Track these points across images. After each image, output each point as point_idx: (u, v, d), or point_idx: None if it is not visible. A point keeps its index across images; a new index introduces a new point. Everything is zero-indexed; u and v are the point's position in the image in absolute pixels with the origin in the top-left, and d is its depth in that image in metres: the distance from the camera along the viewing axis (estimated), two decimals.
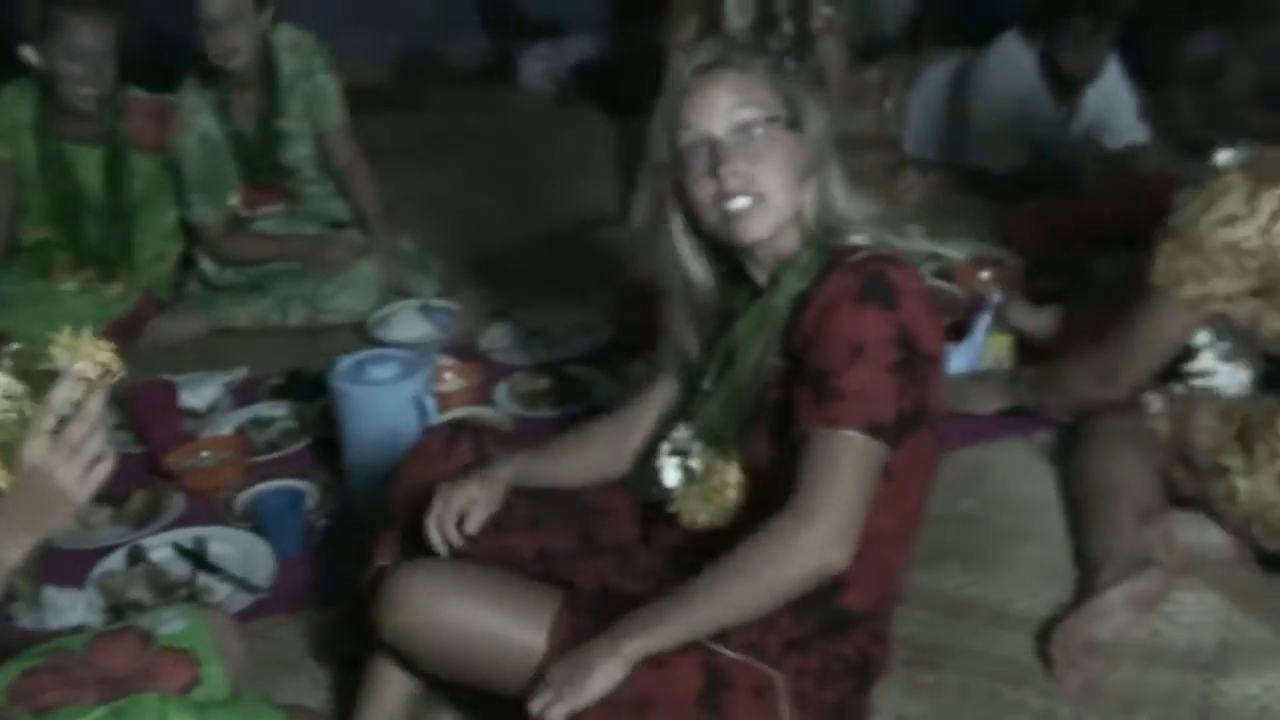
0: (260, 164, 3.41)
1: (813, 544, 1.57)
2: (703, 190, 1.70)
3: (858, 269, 1.62)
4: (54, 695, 1.64)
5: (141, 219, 3.34)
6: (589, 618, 1.64)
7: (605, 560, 1.79)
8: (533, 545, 1.78)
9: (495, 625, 1.65)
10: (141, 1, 3.45)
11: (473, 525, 1.76)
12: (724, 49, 1.74)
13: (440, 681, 1.79)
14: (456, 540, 1.75)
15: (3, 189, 3.23)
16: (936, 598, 2.14)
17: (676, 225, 1.78)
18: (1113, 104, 3.69)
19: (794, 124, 1.71)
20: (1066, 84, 3.72)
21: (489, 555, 1.75)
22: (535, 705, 1.54)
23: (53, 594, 2.18)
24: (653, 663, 1.57)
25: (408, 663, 1.75)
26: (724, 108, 1.68)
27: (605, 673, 1.54)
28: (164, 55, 3.56)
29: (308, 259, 3.36)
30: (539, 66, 5.42)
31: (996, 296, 2.83)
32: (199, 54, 3.26)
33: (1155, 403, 2.23)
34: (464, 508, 1.77)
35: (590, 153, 4.44)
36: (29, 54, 3.07)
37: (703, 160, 1.69)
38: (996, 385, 2.58)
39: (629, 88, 4.90)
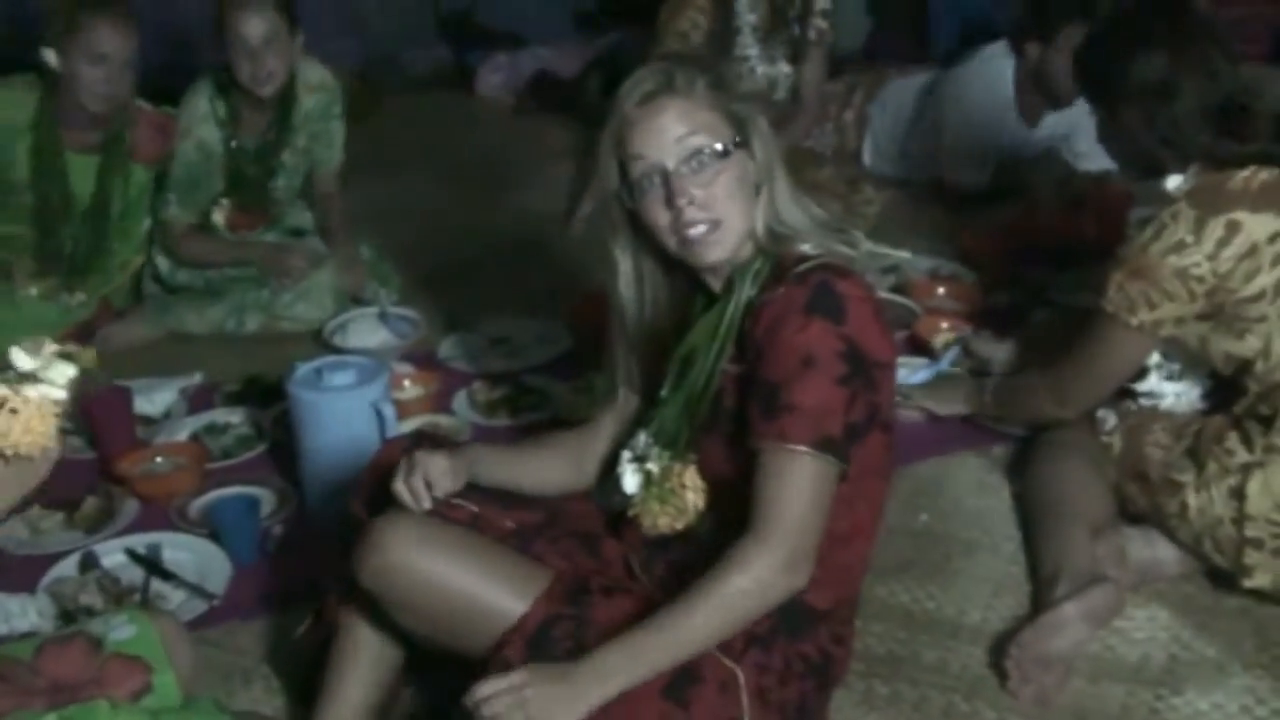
0: (251, 188, 3.39)
1: (775, 571, 1.61)
2: (659, 218, 1.72)
3: (804, 280, 1.65)
4: (2, 703, 1.63)
5: (121, 228, 3.30)
6: (568, 605, 1.68)
7: (574, 543, 1.82)
8: (506, 519, 1.80)
9: (472, 584, 1.67)
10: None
11: (439, 491, 1.77)
12: (667, 75, 1.72)
13: (411, 643, 1.78)
14: (426, 501, 1.75)
15: None
16: (893, 610, 2.15)
17: (624, 252, 1.81)
18: (1075, 125, 3.74)
19: (742, 143, 1.72)
20: (1050, 100, 3.75)
21: (467, 519, 1.76)
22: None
23: (3, 600, 2.15)
24: None
25: (382, 616, 1.74)
26: (672, 138, 1.69)
27: (590, 701, 1.57)
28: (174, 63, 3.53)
29: (266, 266, 3.32)
30: (497, 77, 5.42)
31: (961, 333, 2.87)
32: (222, 66, 3.23)
33: (1110, 419, 2.27)
34: (430, 473, 1.77)
35: (549, 163, 4.44)
36: (49, 56, 3.00)
37: (657, 191, 1.71)
38: (965, 390, 2.63)
39: (587, 98, 4.95)
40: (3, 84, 3.15)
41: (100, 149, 3.18)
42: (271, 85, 3.20)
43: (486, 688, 1.56)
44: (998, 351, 2.75)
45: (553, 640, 1.65)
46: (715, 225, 1.70)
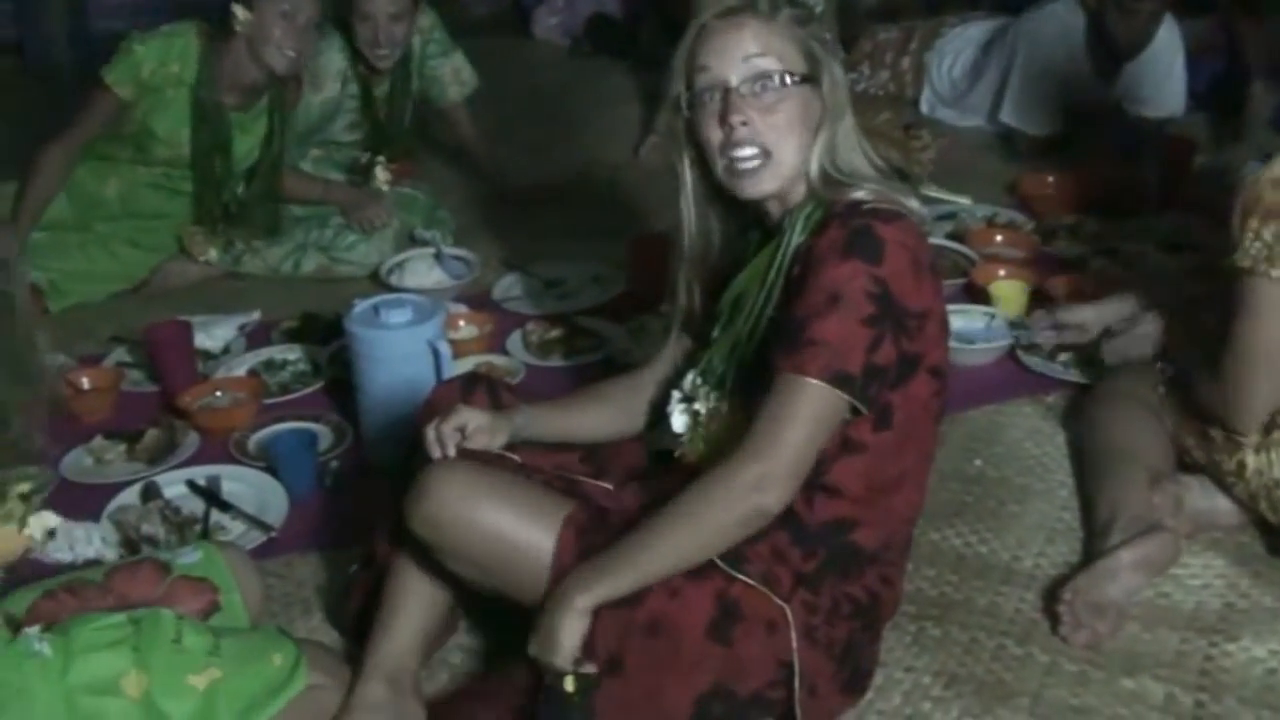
0: (390, 138, 3.55)
1: (747, 485, 1.61)
2: (712, 135, 1.71)
3: (847, 222, 1.64)
4: (73, 613, 1.67)
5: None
6: (590, 535, 1.69)
7: (625, 485, 1.85)
8: (550, 463, 1.82)
9: (522, 531, 1.68)
10: None
11: (474, 444, 1.79)
12: (758, 4, 1.71)
13: (463, 586, 1.80)
14: (450, 450, 1.77)
15: (97, 120, 3.09)
16: (945, 554, 2.15)
17: (685, 167, 1.79)
18: (1156, 77, 3.70)
19: (811, 79, 1.71)
20: (1113, 53, 3.71)
21: (515, 469, 1.78)
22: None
23: (68, 527, 2.19)
24: (667, 588, 1.63)
25: (433, 561, 1.76)
26: (741, 55, 1.68)
27: (569, 631, 1.61)
28: None
29: (350, 210, 3.34)
30: (553, 19, 5.40)
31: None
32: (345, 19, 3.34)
33: (1170, 367, 2.23)
34: (466, 424, 1.80)
35: (605, 106, 4.43)
36: (239, 12, 3.03)
37: (715, 105, 1.70)
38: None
39: (643, 40, 4.93)
40: (163, 34, 3.11)
41: (250, 106, 3.20)
42: (392, 58, 3.32)
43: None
44: (1087, 314, 2.51)
45: None
46: (766, 155, 1.69)
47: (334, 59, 3.38)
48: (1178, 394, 2.19)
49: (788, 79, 1.68)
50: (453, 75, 3.65)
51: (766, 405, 1.63)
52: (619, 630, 1.63)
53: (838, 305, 1.60)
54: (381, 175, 3.44)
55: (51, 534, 1.71)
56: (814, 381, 1.60)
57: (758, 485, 1.61)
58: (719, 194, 1.79)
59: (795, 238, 1.71)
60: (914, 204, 1.73)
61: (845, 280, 1.61)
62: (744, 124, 1.67)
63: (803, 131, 1.70)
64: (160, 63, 3.07)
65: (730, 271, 1.82)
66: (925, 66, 4.24)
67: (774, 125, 1.68)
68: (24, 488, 1.64)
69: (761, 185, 1.71)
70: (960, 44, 4.17)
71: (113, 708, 1.57)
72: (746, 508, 1.62)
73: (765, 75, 1.68)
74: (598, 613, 1.62)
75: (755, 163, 1.69)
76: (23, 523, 1.65)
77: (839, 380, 1.61)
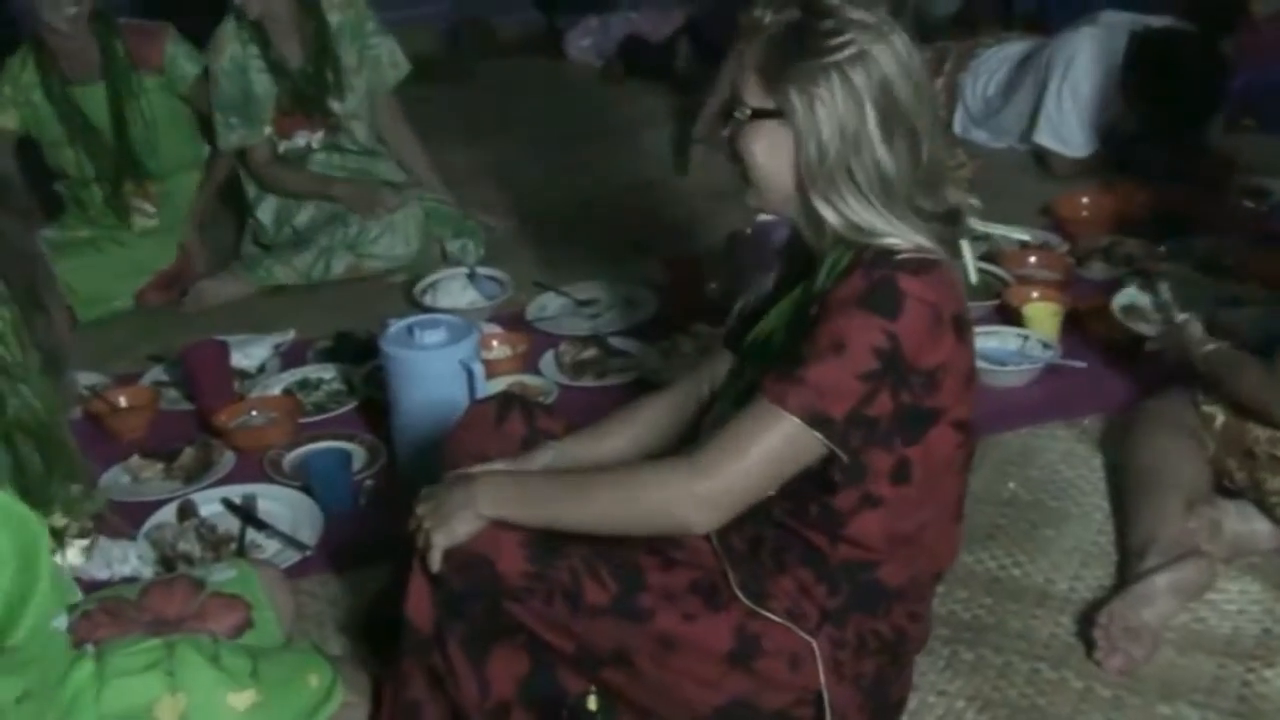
0: (308, 100, 3.42)
1: (686, 501, 1.59)
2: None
3: (871, 272, 1.57)
4: (107, 632, 1.69)
5: (160, 143, 3.40)
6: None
7: None
8: None
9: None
10: None
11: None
12: (757, 20, 1.63)
13: None
14: (434, 566, 1.68)
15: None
16: (978, 577, 2.14)
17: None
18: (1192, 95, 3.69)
19: (776, 114, 1.60)
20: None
21: None
22: (411, 525, 1.66)
23: (105, 545, 2.21)
24: (679, 611, 1.63)
25: None
26: (736, 80, 1.65)
27: (462, 524, 1.62)
28: None
29: (352, 202, 3.37)
30: (586, 41, 5.42)
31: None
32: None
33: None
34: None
35: (638, 128, 4.45)
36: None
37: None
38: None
39: (676, 63, 4.95)
40: (14, 55, 3.31)
41: (102, 74, 3.28)
42: (256, 6, 3.27)
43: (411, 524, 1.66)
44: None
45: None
46: (745, 178, 1.66)
47: (226, 28, 3.37)
48: (1225, 414, 2.15)
49: (744, 113, 1.62)
50: (389, 58, 3.53)
51: (736, 423, 1.59)
52: (620, 634, 1.63)
53: (839, 354, 1.55)
54: (269, 131, 3.43)
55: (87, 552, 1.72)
56: (789, 416, 1.56)
57: (695, 503, 1.58)
58: None
59: (819, 282, 1.65)
60: (965, 248, 1.68)
61: (854, 332, 1.55)
62: (731, 144, 1.66)
63: (769, 164, 1.62)
64: (15, 77, 3.28)
65: (771, 302, 1.79)
66: (959, 87, 4.24)
67: (739, 153, 1.65)
68: (58, 521, 1.65)
69: (754, 200, 1.69)
70: (994, 64, 4.16)
71: None
72: (675, 518, 1.61)
73: (736, 104, 1.64)
74: (593, 625, 1.62)
75: (744, 180, 1.67)
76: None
77: (816, 420, 1.56)
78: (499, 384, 2.63)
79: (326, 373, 2.88)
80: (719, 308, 2.88)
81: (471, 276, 3.26)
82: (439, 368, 2.37)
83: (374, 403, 2.68)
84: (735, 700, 1.64)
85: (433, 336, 2.40)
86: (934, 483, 1.68)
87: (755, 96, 1.62)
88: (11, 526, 1.54)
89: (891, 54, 1.59)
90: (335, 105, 3.44)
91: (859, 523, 1.65)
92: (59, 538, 1.64)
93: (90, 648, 1.63)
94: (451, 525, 1.62)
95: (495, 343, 2.86)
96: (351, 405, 2.76)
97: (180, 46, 3.39)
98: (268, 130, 3.43)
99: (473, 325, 2.50)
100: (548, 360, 2.87)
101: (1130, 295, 2.86)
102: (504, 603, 1.64)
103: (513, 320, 3.07)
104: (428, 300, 3.18)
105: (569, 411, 2.45)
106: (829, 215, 1.61)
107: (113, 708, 1.56)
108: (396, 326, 2.45)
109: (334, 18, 3.41)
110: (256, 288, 3.38)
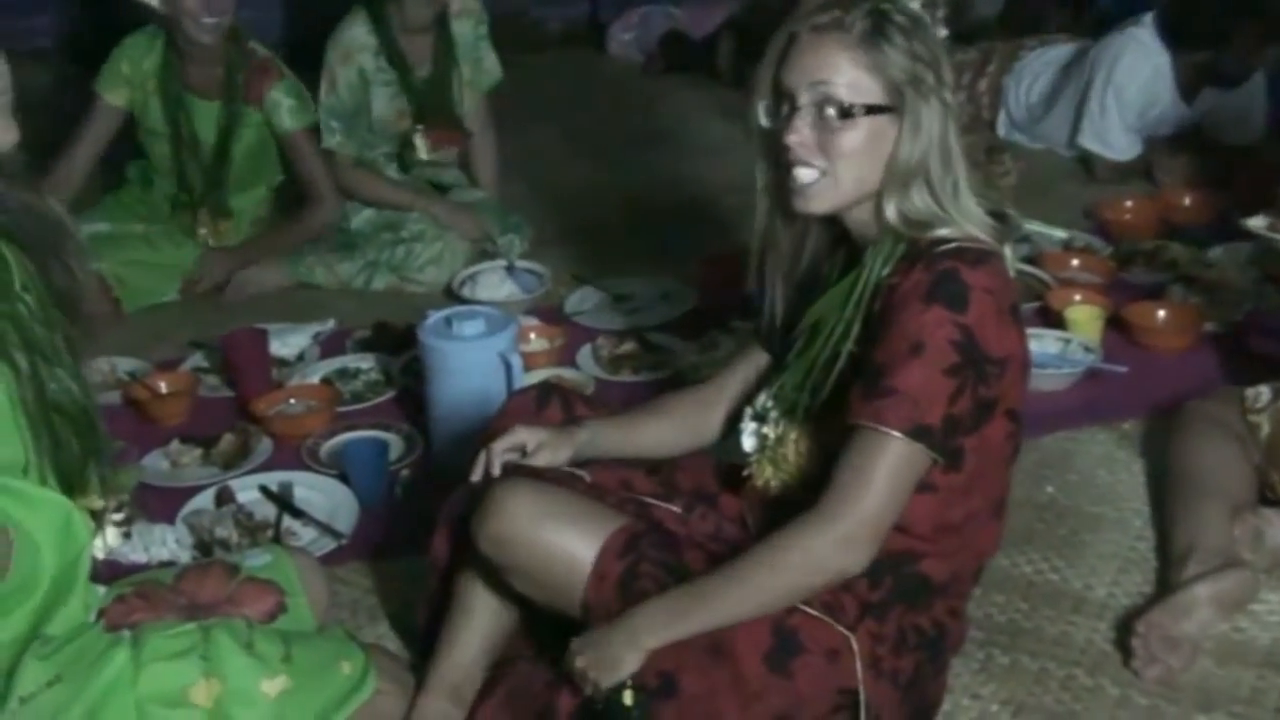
0: (435, 110, 3.44)
1: (830, 549, 1.60)
2: (779, 148, 1.68)
3: (932, 266, 1.59)
4: (143, 615, 1.70)
5: (250, 174, 3.41)
6: (641, 549, 1.68)
7: (694, 505, 1.84)
8: (620, 481, 1.82)
9: (585, 551, 1.68)
10: None
11: (537, 461, 1.80)
12: (840, 16, 1.64)
13: (526, 604, 1.80)
14: (495, 470, 1.79)
15: (98, 130, 3.31)
16: (1015, 581, 2.13)
17: (761, 175, 1.75)
18: (1241, 102, 3.65)
19: (889, 110, 1.63)
20: (1210, 80, 3.67)
21: (585, 489, 1.79)
22: (574, 672, 1.65)
23: (143, 529, 2.23)
24: None
25: (498, 578, 1.76)
26: (812, 77, 1.63)
27: (629, 664, 1.61)
28: None
29: (459, 222, 3.38)
30: (628, 35, 5.42)
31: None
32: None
33: (1263, 395, 2.17)
34: (524, 444, 1.82)
35: (678, 124, 4.44)
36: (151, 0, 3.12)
37: (783, 119, 1.66)
38: None
39: (718, 60, 4.93)
40: (136, 33, 3.29)
41: (220, 93, 3.28)
42: (217, 31, 3.20)
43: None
44: None
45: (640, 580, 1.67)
46: (821, 176, 1.65)
47: (358, 33, 3.35)
48: (1270, 424, 2.12)
49: (854, 109, 1.62)
50: (489, 63, 3.57)
51: (846, 460, 1.60)
52: (676, 650, 1.62)
53: (919, 353, 1.57)
54: (420, 143, 3.45)
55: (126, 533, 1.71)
56: (894, 434, 1.57)
57: (841, 549, 1.59)
58: None
59: (877, 271, 1.66)
60: (1007, 249, 1.68)
61: (929, 328, 1.57)
62: (801, 144, 1.64)
63: (866, 161, 1.64)
64: (136, 60, 3.26)
65: (812, 290, 1.79)
66: (1002, 89, 4.21)
67: (831, 150, 1.63)
68: (95, 503, 1.65)
69: (811, 204, 1.67)
70: (1039, 67, 4.13)
71: (183, 719, 1.58)
72: (830, 571, 1.61)
73: (830, 101, 1.62)
74: None
75: (808, 181, 1.66)
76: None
77: (919, 433, 1.58)
78: (536, 377, 2.62)
79: (365, 362, 2.89)
80: (757, 305, 2.88)
81: (510, 270, 3.27)
82: (477, 359, 2.38)
83: (411, 393, 2.69)
84: (776, 717, 1.63)
85: (471, 328, 2.40)
86: (983, 473, 1.68)
87: (863, 93, 1.62)
88: (59, 523, 1.55)
89: (940, 42, 1.65)
90: (457, 110, 3.47)
91: (910, 507, 1.64)
92: (98, 520, 1.64)
93: (126, 632, 1.64)
94: (619, 670, 1.61)
95: (533, 335, 2.86)
96: (389, 395, 2.76)
97: (285, 97, 3.32)
98: (423, 142, 3.44)
99: (511, 318, 2.51)
100: (585, 354, 2.87)
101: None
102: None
103: (550, 314, 3.07)
104: (466, 292, 3.19)
105: (605, 405, 2.46)
106: (893, 208, 1.63)
107: (149, 691, 1.57)
108: (435, 317, 2.45)
109: (457, 27, 3.43)
110: (295, 281, 3.39)
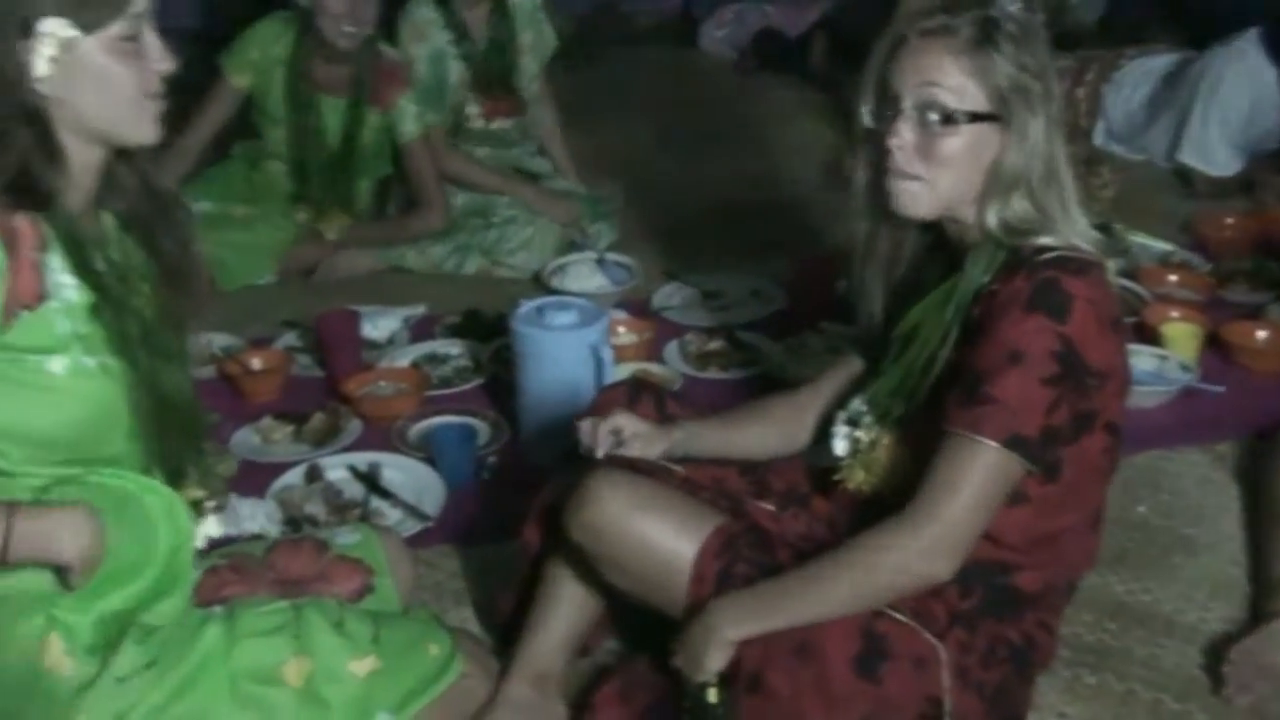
0: (493, 80, 3.48)
1: (917, 555, 1.59)
2: (880, 149, 1.67)
3: (1034, 274, 1.58)
4: (235, 589, 1.73)
5: (364, 173, 3.44)
6: (737, 550, 1.68)
7: (785, 505, 1.84)
8: (713, 479, 1.82)
9: (678, 544, 1.68)
10: None
11: (629, 451, 1.81)
12: (948, 21, 1.63)
13: (613, 595, 1.81)
14: (601, 449, 1.80)
15: (219, 109, 3.33)
16: (1104, 600, 2.09)
17: (859, 174, 1.74)
18: None
19: (994, 119, 1.61)
20: None
21: (678, 482, 1.79)
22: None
23: (235, 502, 2.26)
24: None
25: (588, 568, 1.77)
26: (918, 81, 1.62)
27: (714, 658, 1.61)
28: None
29: (549, 207, 3.41)
30: (721, 32, 5.42)
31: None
32: None
33: None
34: (622, 429, 1.83)
35: (770, 122, 4.43)
36: None
37: (887, 121, 1.65)
38: None
39: (812, 59, 4.91)
40: (269, 18, 3.31)
41: (346, 90, 3.29)
42: (357, 39, 3.23)
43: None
44: None
45: (734, 581, 1.66)
46: (922, 180, 1.64)
47: (424, 11, 3.41)
48: None
49: (957, 115, 1.61)
50: (546, 34, 3.60)
51: (938, 466, 1.59)
52: (764, 648, 1.62)
53: (1018, 363, 1.56)
54: (470, 109, 3.48)
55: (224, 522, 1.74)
56: (989, 443, 1.56)
57: (929, 555, 1.58)
58: None
59: (976, 278, 1.65)
60: (1109, 263, 1.66)
61: (1028, 337, 1.56)
62: (900, 149, 1.63)
63: (966, 168, 1.62)
64: (266, 45, 3.27)
65: (910, 295, 1.78)
66: (1101, 98, 4.14)
67: (932, 156, 1.62)
68: (197, 494, 1.68)
69: (909, 208, 1.66)
70: (1139, 77, 4.07)
71: (274, 696, 1.60)
72: (915, 576, 1.60)
73: (934, 106, 1.61)
74: None
75: (909, 186, 1.65)
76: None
77: (1014, 443, 1.56)
78: (624, 370, 2.63)
79: (454, 348, 2.91)
80: (848, 306, 2.86)
81: (600, 262, 3.27)
82: (568, 350, 2.39)
83: (499, 381, 2.71)
84: None
85: (563, 318, 2.41)
86: (1080, 486, 1.67)
87: (968, 100, 1.61)
88: (171, 520, 1.57)
89: (1049, 49, 1.64)
90: (515, 82, 3.49)
91: (1003, 518, 1.63)
92: (198, 509, 1.67)
93: (218, 608, 1.66)
94: (704, 664, 1.62)
95: (621, 329, 2.87)
96: (477, 382, 2.78)
97: (412, 104, 3.34)
98: (475, 110, 3.48)
99: (603, 310, 2.51)
100: (672, 350, 2.87)
101: None
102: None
103: (639, 307, 3.07)
104: (555, 283, 3.20)
105: (694, 403, 2.45)
106: (994, 214, 1.62)
107: (242, 666, 1.60)
108: (528, 307, 2.46)
109: None
110: (386, 265, 3.42)
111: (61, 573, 1.50)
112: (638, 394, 1.96)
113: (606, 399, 1.97)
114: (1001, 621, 1.69)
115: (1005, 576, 1.68)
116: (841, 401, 1.87)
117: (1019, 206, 1.62)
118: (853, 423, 1.80)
